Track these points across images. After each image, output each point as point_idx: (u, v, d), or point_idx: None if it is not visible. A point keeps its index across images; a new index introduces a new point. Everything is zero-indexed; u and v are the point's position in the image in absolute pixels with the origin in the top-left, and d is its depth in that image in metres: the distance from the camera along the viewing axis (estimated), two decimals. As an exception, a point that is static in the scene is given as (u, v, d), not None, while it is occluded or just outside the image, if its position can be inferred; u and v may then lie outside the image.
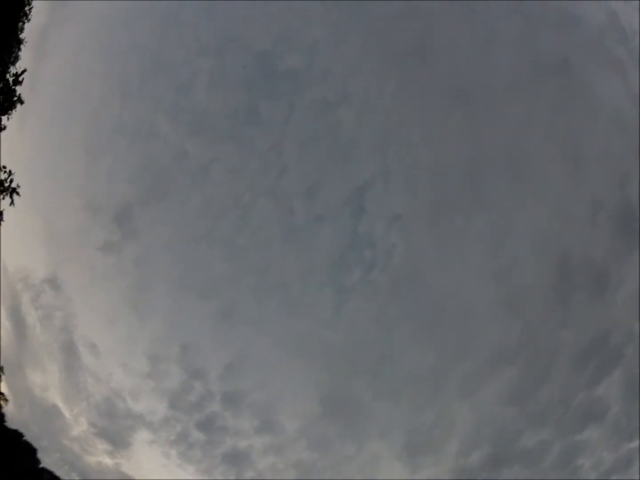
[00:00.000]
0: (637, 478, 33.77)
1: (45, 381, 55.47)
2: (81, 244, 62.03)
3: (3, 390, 25.91)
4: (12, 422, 27.13)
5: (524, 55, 52.53)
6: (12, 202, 22.31)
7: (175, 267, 69.27)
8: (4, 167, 21.70)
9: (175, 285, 70.62)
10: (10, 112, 19.54)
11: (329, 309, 68.77)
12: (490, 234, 59.96)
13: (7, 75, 18.55)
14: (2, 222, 22.39)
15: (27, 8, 19.20)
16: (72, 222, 60.00)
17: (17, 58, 19.48)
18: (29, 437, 28.18)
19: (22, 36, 19.50)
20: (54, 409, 53.77)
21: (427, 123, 58.32)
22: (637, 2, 42.95)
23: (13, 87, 18.68)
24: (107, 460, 61.09)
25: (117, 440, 62.48)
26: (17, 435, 26.03)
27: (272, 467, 72.57)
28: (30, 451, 26.89)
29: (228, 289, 70.96)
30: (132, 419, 64.90)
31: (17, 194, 22.23)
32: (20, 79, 18.65)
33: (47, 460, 30.10)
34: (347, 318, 69.01)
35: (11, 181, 21.62)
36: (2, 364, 25.24)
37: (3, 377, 25.78)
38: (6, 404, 26.01)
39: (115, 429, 63.68)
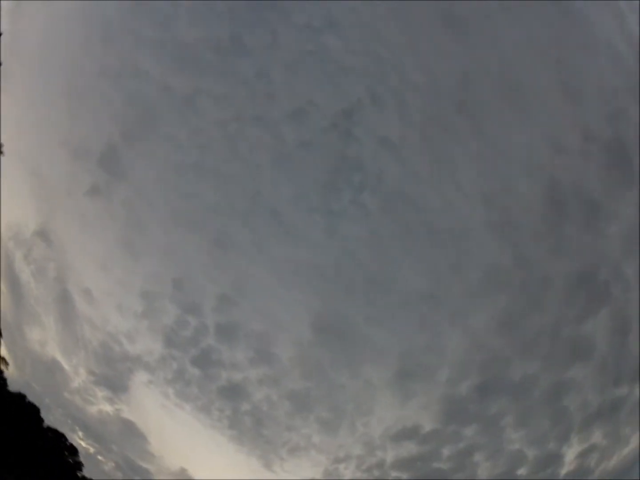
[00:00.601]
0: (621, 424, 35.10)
1: (43, 336, 56.36)
2: (69, 192, 61.10)
3: (3, 354, 26.27)
4: (14, 385, 27.77)
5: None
6: None
7: (166, 202, 68.69)
8: None
9: (167, 221, 70.24)
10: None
11: (320, 233, 68.92)
12: (481, 158, 59.18)
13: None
14: None
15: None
16: (59, 171, 58.87)
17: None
18: (31, 397, 28.98)
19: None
20: (53, 363, 54.94)
21: (418, 44, 55.87)
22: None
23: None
24: (108, 408, 63.18)
25: (116, 386, 64.21)
26: (19, 397, 26.76)
27: (267, 398, 75.24)
28: (33, 412, 27.77)
29: (219, 220, 70.63)
30: (130, 362, 66.40)
31: (1, 152, 21.87)
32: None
33: (51, 417, 31.07)
34: (338, 242, 69.43)
35: None
36: (0, 328, 25.56)
37: (2, 341, 26.13)
38: (7, 368, 26.51)
39: (113, 374, 65.33)
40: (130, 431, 62.16)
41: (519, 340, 58.42)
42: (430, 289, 65.98)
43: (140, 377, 69.21)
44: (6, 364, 25.68)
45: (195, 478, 70.58)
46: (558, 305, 54.79)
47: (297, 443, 78.03)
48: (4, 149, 21.56)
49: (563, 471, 56.44)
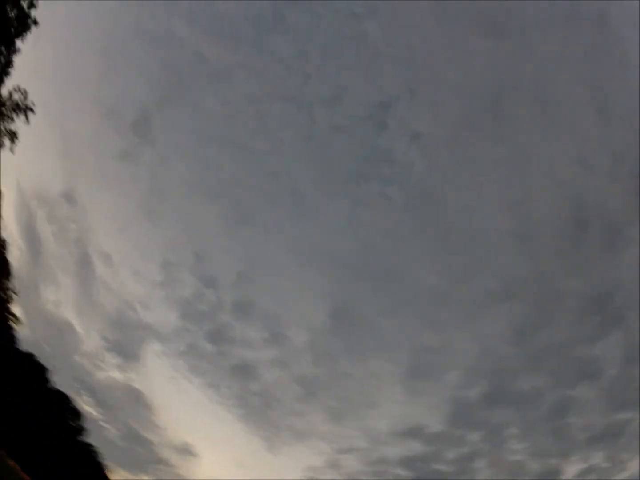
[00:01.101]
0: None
1: (59, 297, 56.92)
2: (98, 155, 61.58)
3: (16, 312, 26.17)
4: (24, 344, 27.71)
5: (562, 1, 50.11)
6: (27, 120, 21.85)
7: (192, 172, 69.24)
8: (18, 87, 20.91)
9: (191, 191, 70.90)
10: (24, 34, 18.34)
11: (343, 221, 69.41)
12: (508, 165, 60.04)
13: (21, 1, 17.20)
14: (16, 142, 21.98)
15: None
16: (90, 133, 59.18)
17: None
18: (40, 357, 28.94)
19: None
20: (66, 325, 55.56)
21: (458, 45, 56.49)
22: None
23: (28, 11, 17.45)
24: (117, 375, 63.83)
25: (128, 353, 64.74)
26: (28, 356, 26.73)
27: (277, 380, 75.65)
28: (40, 372, 27.74)
29: (243, 195, 71.34)
30: (144, 330, 66.93)
31: (32, 111, 21.60)
32: (34, 2, 17.37)
33: (58, 379, 30.97)
34: (360, 231, 69.78)
35: (26, 100, 20.96)
36: (16, 285, 25.44)
37: (16, 298, 25.97)
38: (19, 325, 26.39)
39: (126, 341, 65.92)
40: (137, 400, 62.74)
41: (529, 353, 58.01)
42: (446, 289, 65.60)
43: (152, 347, 69.55)
44: (19, 321, 25.48)
45: (196, 452, 71.04)
46: (571, 323, 54.50)
47: (302, 429, 78.02)
48: (34, 108, 21.01)
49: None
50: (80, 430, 30.60)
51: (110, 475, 36.13)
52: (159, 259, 70.49)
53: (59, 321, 54.50)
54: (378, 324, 70.88)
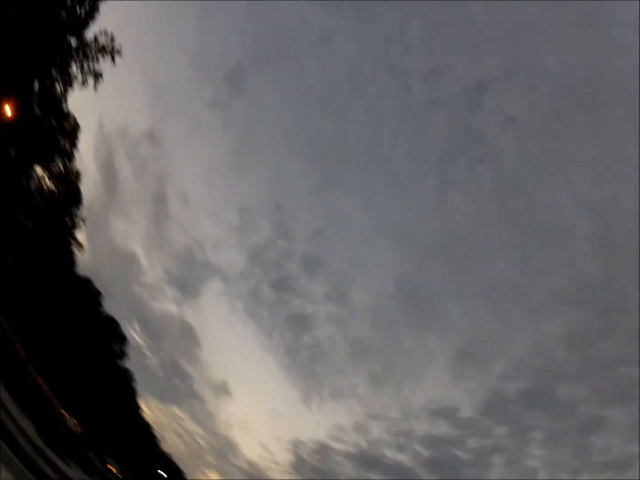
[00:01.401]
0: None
1: (129, 230, 60.70)
2: (187, 101, 63.90)
3: (81, 239, 27.71)
4: (83, 269, 29.74)
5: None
6: (113, 63, 22.96)
7: (283, 129, 70.79)
8: (105, 30, 21.83)
9: (280, 146, 72.72)
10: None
11: (430, 196, 69.36)
12: (597, 164, 57.56)
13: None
14: (100, 82, 23.16)
15: None
16: (180, 79, 61.28)
17: None
18: (97, 284, 31.10)
19: None
20: (131, 256, 59.36)
21: (560, 34, 54.09)
22: None
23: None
24: (172, 308, 67.66)
25: (188, 289, 68.34)
26: (85, 281, 28.82)
27: (330, 337, 77.75)
28: (94, 297, 29.92)
29: (332, 157, 72.57)
30: (208, 270, 70.40)
31: (119, 53, 22.62)
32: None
33: (112, 305, 33.23)
34: (445, 209, 69.60)
35: (112, 43, 21.91)
36: (85, 213, 27.04)
37: (84, 227, 27.49)
38: (81, 251, 28.06)
39: (189, 277, 69.61)
40: (187, 335, 66.58)
41: (579, 361, 57.52)
42: (516, 282, 64.61)
43: (214, 286, 72.92)
44: (81, 247, 27.27)
45: (232, 392, 74.77)
46: (629, 340, 52.86)
47: (341, 388, 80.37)
48: (124, 51, 21.87)
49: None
50: (121, 355, 33.02)
51: (140, 401, 39.02)
52: (238, 205, 73.12)
53: (124, 252, 58.32)
54: (442, 303, 71.20)
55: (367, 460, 70.80)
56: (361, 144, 69.30)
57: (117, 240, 57.58)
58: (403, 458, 70.75)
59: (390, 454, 71.20)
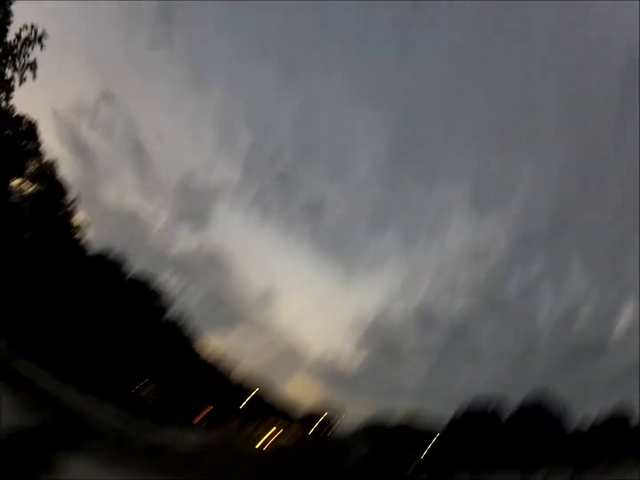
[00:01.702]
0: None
1: (120, 190, 61.00)
2: (128, 51, 60.97)
3: (82, 218, 28.33)
4: (96, 245, 30.86)
5: None
6: (41, 48, 22.02)
7: (229, 38, 67.85)
8: (25, 25, 20.62)
9: (232, 55, 70.50)
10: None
11: (395, 50, 66.61)
12: None
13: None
14: (36, 70, 22.41)
15: None
16: (114, 34, 58.00)
17: None
18: (113, 254, 32.39)
19: None
20: (133, 214, 60.29)
21: None
22: None
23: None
24: (191, 242, 69.60)
25: (199, 218, 70.12)
26: (100, 258, 30.06)
27: (347, 214, 79.94)
28: (116, 269, 31.36)
29: (285, 48, 70.33)
30: (210, 193, 71.94)
31: (45, 36, 21.68)
32: None
33: (137, 265, 34.49)
34: (413, 63, 67.59)
35: (36, 33, 20.82)
36: (75, 195, 27.44)
37: (79, 207, 28.05)
38: (88, 227, 28.85)
39: (195, 207, 71.38)
40: (214, 261, 68.98)
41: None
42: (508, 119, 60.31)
43: (221, 205, 74.73)
44: (87, 226, 28.19)
45: (277, 297, 79.18)
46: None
47: (375, 259, 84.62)
48: (49, 33, 20.93)
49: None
50: (161, 311, 35.01)
51: (201, 343, 41.85)
52: (213, 120, 72.18)
53: (126, 211, 59.32)
54: (442, 148, 72.13)
55: (424, 319, 75.20)
56: (307, 27, 66.30)
57: (115, 203, 58.35)
58: (455, 309, 75.16)
59: (441, 309, 75.54)
